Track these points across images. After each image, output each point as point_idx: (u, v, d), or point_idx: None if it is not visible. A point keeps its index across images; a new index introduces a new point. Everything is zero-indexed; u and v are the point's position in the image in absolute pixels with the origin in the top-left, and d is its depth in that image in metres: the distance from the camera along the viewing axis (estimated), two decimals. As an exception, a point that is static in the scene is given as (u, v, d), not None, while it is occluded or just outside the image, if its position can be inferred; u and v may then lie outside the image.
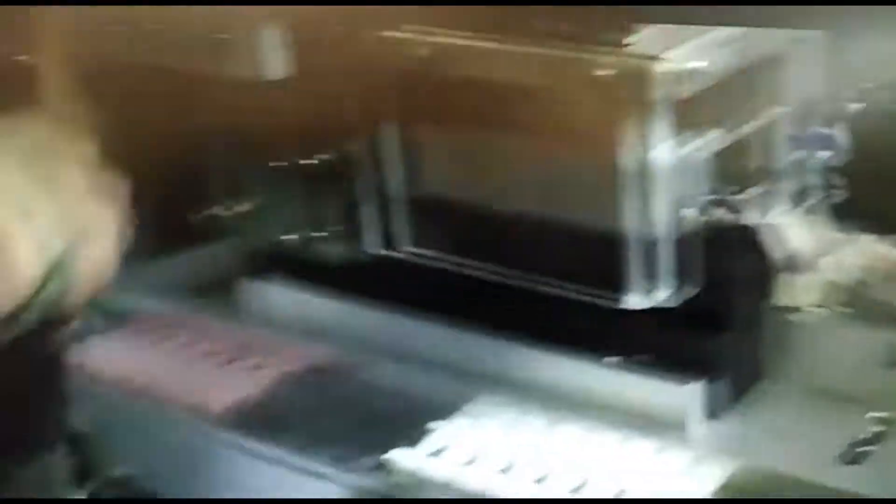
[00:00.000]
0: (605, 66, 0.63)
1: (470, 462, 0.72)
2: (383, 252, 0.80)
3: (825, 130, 0.71)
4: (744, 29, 0.67)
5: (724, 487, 0.67)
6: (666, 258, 0.66)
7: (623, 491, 0.67)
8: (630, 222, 0.66)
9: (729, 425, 0.72)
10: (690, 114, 0.63)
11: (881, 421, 0.70)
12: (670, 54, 0.62)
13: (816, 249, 0.74)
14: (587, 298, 0.68)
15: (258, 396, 0.85)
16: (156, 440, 0.87)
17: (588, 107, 0.64)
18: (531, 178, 0.69)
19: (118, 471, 0.91)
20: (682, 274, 0.67)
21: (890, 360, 0.70)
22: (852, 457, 0.68)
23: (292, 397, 0.85)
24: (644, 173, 0.64)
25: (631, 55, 0.63)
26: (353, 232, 0.80)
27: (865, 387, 0.71)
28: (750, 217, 0.69)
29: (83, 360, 0.90)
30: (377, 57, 0.71)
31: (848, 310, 0.73)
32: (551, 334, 0.76)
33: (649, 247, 0.65)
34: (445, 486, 0.72)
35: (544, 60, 0.65)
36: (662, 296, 0.67)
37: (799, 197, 0.72)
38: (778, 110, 0.71)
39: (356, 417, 0.80)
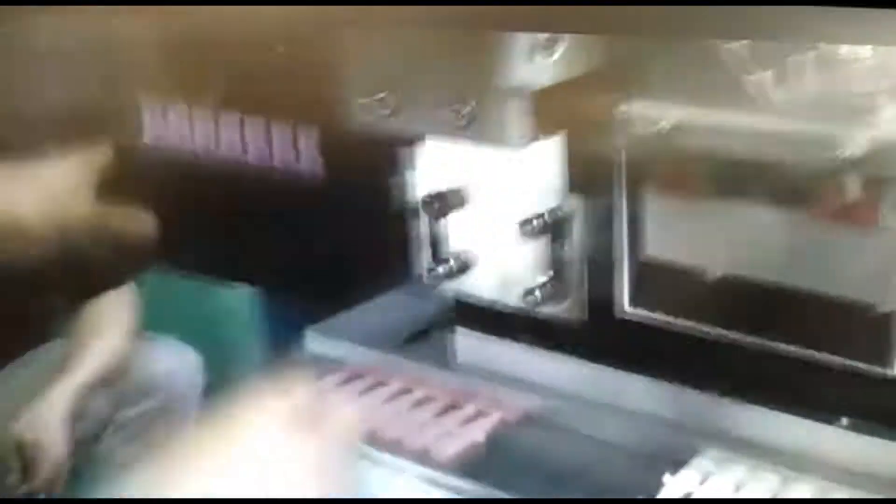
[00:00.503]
0: (856, 144, 0.65)
1: None
2: (603, 311, 0.82)
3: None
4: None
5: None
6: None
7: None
8: (871, 292, 0.68)
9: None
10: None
11: None
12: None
13: None
14: (847, 366, 0.70)
15: (483, 444, 0.88)
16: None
17: (839, 181, 0.66)
18: (774, 247, 0.72)
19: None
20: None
21: None
22: None
23: (516, 445, 0.88)
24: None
25: (884, 133, 0.65)
26: (573, 290, 0.83)
27: None
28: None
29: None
30: (615, 127, 0.73)
31: None
32: (781, 395, 0.78)
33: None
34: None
35: (795, 138, 0.67)
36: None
37: None
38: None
39: (582, 467, 0.83)
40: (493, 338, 0.94)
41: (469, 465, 0.87)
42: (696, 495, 0.78)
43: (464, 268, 0.89)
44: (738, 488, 0.78)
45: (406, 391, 0.98)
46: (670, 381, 0.84)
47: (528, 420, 0.91)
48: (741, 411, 0.81)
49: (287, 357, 1.04)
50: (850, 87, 0.69)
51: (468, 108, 0.77)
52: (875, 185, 0.67)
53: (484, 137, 0.77)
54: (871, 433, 0.76)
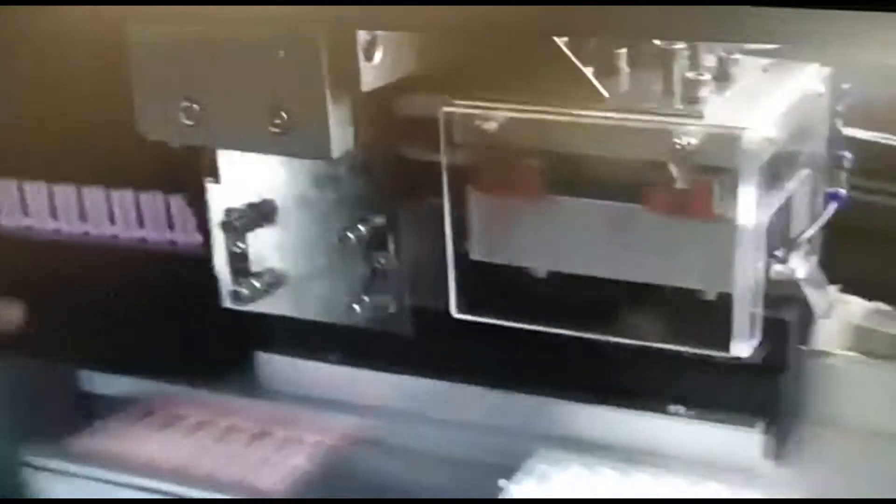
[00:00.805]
0: (690, 136, 0.66)
1: None
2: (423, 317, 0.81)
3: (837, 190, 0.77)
4: (798, 94, 0.72)
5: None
6: (747, 312, 0.70)
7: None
8: (712, 281, 0.70)
9: (791, 467, 0.76)
10: (763, 179, 0.68)
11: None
12: (749, 123, 0.66)
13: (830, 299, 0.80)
14: (683, 354, 0.71)
15: (309, 471, 0.84)
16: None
17: (670, 173, 0.68)
18: (605, 242, 0.72)
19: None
20: (756, 326, 0.71)
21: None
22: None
23: (341, 468, 0.85)
24: (729, 234, 0.67)
25: (715, 125, 0.67)
26: (396, 300, 0.81)
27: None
28: (798, 272, 0.74)
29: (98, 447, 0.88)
30: (444, 130, 0.72)
31: (869, 351, 0.79)
32: (610, 390, 0.78)
33: (731, 302, 0.69)
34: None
35: (623, 129, 0.68)
36: (748, 348, 0.70)
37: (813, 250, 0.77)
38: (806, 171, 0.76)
39: (414, 483, 0.81)
40: (304, 360, 0.90)
41: (293, 492, 0.83)
42: (536, 496, 0.77)
43: (272, 286, 0.84)
44: (575, 486, 0.78)
45: (207, 423, 0.92)
46: (499, 387, 0.82)
47: (351, 441, 0.88)
48: (572, 410, 0.81)
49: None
50: (680, 79, 0.70)
51: (284, 117, 0.73)
52: (708, 175, 0.68)
53: (302, 148, 0.73)
54: (705, 419, 0.77)
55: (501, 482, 0.78)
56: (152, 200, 0.93)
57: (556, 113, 0.71)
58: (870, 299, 0.82)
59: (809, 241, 0.76)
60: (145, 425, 0.93)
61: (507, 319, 0.77)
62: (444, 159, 0.74)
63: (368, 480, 0.82)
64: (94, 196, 0.94)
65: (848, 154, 0.77)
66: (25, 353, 0.91)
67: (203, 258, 0.88)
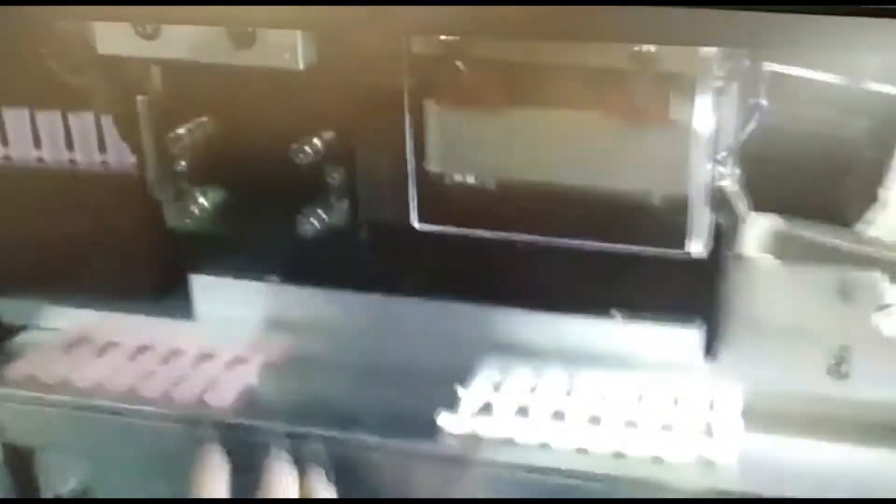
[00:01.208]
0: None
1: (518, 414, 0.78)
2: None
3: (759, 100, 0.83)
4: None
5: (747, 409, 0.78)
6: (701, 212, 0.75)
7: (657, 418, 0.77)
8: (667, 183, 0.75)
9: (724, 362, 0.82)
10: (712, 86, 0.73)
11: (843, 346, 0.82)
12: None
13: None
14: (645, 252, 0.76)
15: (258, 388, 0.86)
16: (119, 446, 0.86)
17: (630, 81, 0.72)
18: (566, 149, 0.76)
19: (71, 484, 0.90)
20: (705, 226, 0.77)
21: (842, 293, 0.83)
22: (837, 373, 0.80)
23: (292, 384, 0.87)
24: (684, 138, 0.72)
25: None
26: (354, 212, 0.83)
27: (822, 319, 0.83)
28: (725, 178, 0.80)
29: (32, 372, 0.87)
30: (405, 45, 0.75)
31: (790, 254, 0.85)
32: (558, 297, 0.83)
33: (685, 203, 0.74)
34: (502, 441, 0.77)
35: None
36: (702, 246, 0.76)
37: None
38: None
39: (371, 396, 0.84)
40: (242, 280, 0.91)
41: (250, 408, 0.85)
42: (494, 402, 0.81)
43: (218, 205, 0.85)
44: (532, 389, 0.82)
45: (147, 348, 0.93)
46: (449, 299, 0.85)
47: (298, 359, 0.89)
48: (521, 318, 0.84)
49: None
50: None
51: (247, 29, 0.74)
52: (665, 82, 0.72)
53: (266, 58, 0.75)
54: (648, 320, 0.82)
55: (458, 388, 0.81)
56: (81, 121, 0.92)
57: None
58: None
59: (735, 150, 0.81)
60: (80, 352, 0.92)
61: (466, 228, 0.79)
62: (405, 73, 0.76)
63: (322, 395, 0.83)
64: (17, 118, 0.92)
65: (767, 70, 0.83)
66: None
67: (138, 179, 0.88)
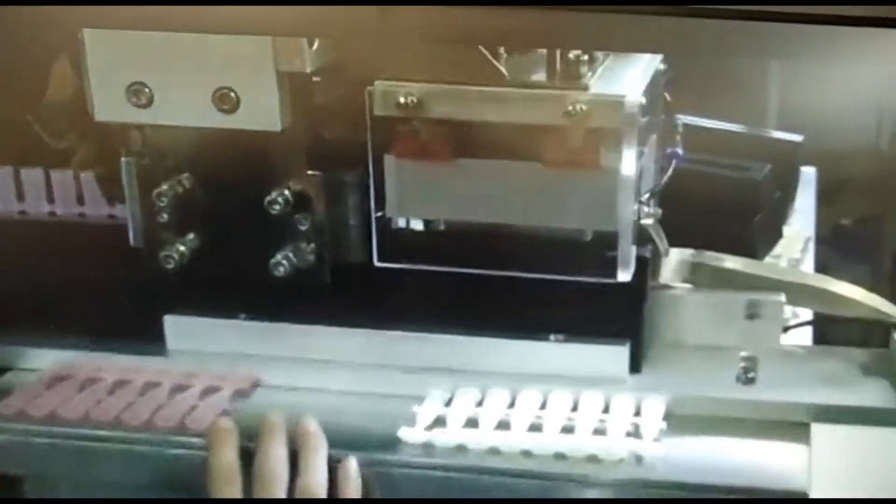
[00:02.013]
0: (580, 103, 0.84)
1: (467, 426, 0.90)
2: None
3: (677, 149, 0.97)
4: (650, 72, 0.91)
5: (668, 414, 0.91)
6: (627, 246, 0.88)
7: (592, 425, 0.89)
8: (598, 221, 0.87)
9: (648, 375, 0.95)
10: (636, 137, 0.86)
11: (749, 357, 0.96)
12: (627, 92, 0.84)
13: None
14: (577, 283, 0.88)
15: (231, 411, 0.96)
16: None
17: (565, 135, 0.85)
18: (510, 194, 0.88)
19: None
20: (631, 258, 0.90)
21: (748, 313, 0.97)
22: (745, 380, 0.94)
23: (261, 409, 0.96)
24: (612, 182, 0.85)
25: (601, 94, 0.84)
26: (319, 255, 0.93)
27: (731, 335, 0.97)
28: (648, 216, 0.93)
29: (22, 407, 0.96)
30: (368, 104, 0.86)
31: (703, 281, 0.99)
32: (495, 323, 0.94)
33: (615, 238, 0.87)
34: (455, 448, 0.89)
35: (524, 100, 0.85)
36: (629, 274, 0.89)
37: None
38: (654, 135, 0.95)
39: (333, 416, 0.94)
40: (214, 319, 1.01)
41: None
42: (448, 417, 0.92)
43: (195, 252, 0.95)
44: (478, 403, 0.94)
45: (124, 382, 1.01)
46: (405, 328, 0.97)
47: (265, 387, 0.99)
48: (468, 344, 0.96)
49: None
50: (567, 56, 0.87)
51: (232, 94, 0.85)
52: (595, 134, 0.85)
53: (249, 122, 0.86)
54: (582, 342, 0.95)
55: (415, 407, 0.92)
56: (62, 178, 1.01)
57: (466, 87, 0.86)
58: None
59: (656, 193, 0.95)
60: (62, 389, 1.00)
61: (419, 264, 0.91)
62: (368, 130, 0.88)
63: (293, 417, 0.93)
64: (1, 175, 1.01)
65: (680, 123, 0.96)
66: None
67: (112, 229, 0.97)
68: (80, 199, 1.02)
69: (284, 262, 0.93)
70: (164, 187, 0.92)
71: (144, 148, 0.93)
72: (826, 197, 1.27)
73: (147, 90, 0.85)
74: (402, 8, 0.73)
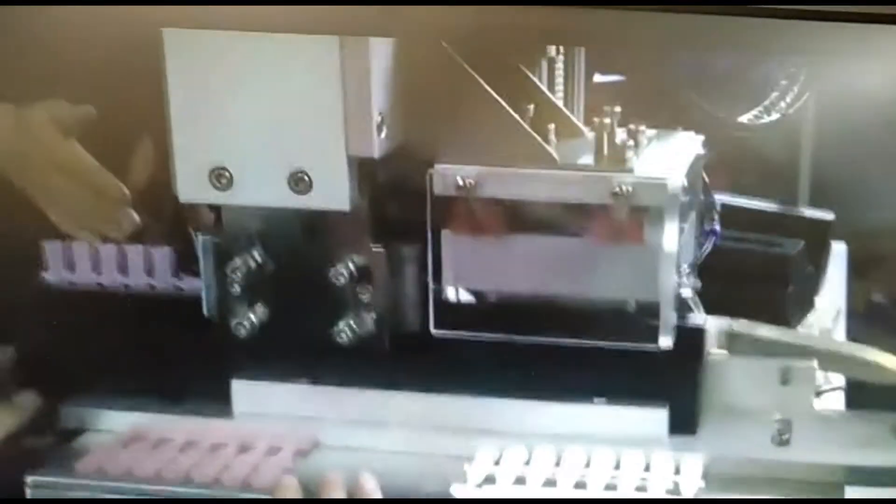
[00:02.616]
0: (626, 184, 0.91)
1: (516, 483, 0.96)
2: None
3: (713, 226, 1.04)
4: (692, 155, 0.98)
5: (706, 473, 0.96)
6: (669, 314, 0.94)
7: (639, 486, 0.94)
8: (641, 292, 0.94)
9: (689, 436, 1.01)
10: (678, 215, 0.93)
11: (783, 420, 1.02)
12: (669, 175, 0.92)
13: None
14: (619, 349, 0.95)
15: (293, 469, 1.02)
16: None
17: (611, 212, 0.92)
18: (556, 268, 0.95)
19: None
20: (671, 326, 0.96)
21: (782, 378, 1.02)
22: (780, 442, 0.99)
23: (320, 468, 1.02)
24: (655, 256, 0.92)
25: (646, 176, 0.92)
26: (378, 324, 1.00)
27: (768, 399, 1.03)
28: (687, 287, 1.00)
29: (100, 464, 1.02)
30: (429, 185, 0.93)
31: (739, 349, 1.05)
32: (544, 387, 1.01)
33: (657, 307, 0.93)
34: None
35: (574, 181, 0.92)
36: (670, 341, 0.95)
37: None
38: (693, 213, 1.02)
39: (390, 476, 1.00)
40: (274, 383, 1.07)
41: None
42: (497, 475, 0.98)
43: (263, 322, 1.01)
44: (526, 462, 1.00)
45: (193, 443, 1.08)
46: (457, 393, 1.03)
47: (325, 447, 1.05)
48: (517, 407, 1.02)
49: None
50: (614, 140, 0.95)
51: (306, 178, 0.93)
52: (639, 213, 0.92)
53: (321, 202, 0.93)
54: (623, 405, 1.01)
55: (465, 466, 0.98)
56: (136, 251, 1.09)
57: (520, 170, 0.93)
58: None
59: (695, 266, 1.01)
60: (136, 449, 1.07)
61: (472, 332, 0.98)
62: (428, 208, 0.95)
63: (352, 475, 0.99)
64: (80, 248, 1.09)
65: (718, 201, 1.03)
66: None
67: (178, 300, 1.04)
68: (150, 272, 1.08)
69: (346, 329, 0.99)
70: (238, 262, 0.98)
71: (218, 225, 1.00)
72: (860, 272, 1.33)
73: (227, 174, 0.92)
74: (413, 8, 0.77)
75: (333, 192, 0.92)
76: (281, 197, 0.92)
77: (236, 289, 1.00)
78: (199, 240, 1.00)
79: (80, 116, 1.08)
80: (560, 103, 1.03)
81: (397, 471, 1.01)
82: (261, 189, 0.93)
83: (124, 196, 1.09)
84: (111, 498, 1.02)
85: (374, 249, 0.98)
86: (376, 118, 0.90)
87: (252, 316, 1.02)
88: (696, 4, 0.73)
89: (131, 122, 1.06)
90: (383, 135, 0.92)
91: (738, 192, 1.13)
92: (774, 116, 1.18)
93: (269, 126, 0.91)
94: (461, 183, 0.93)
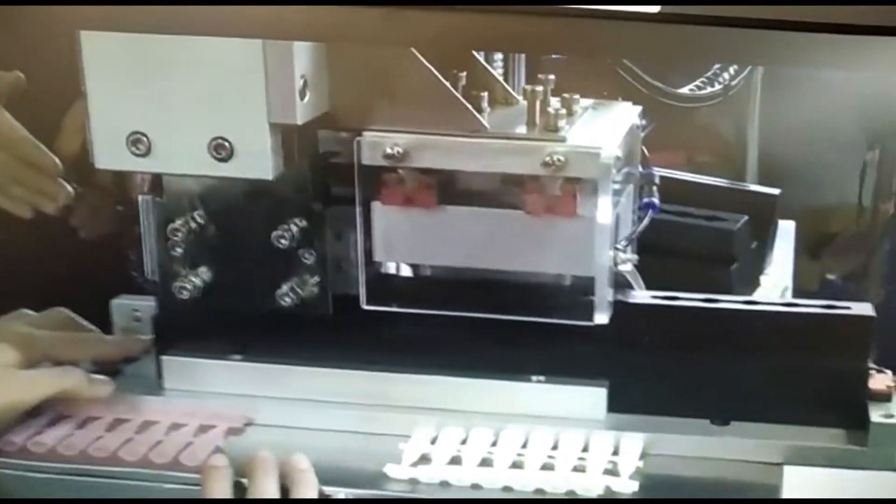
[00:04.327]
0: (559, 154, 0.88)
1: (451, 463, 0.94)
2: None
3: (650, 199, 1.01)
4: (627, 126, 0.95)
5: (645, 453, 0.94)
6: (604, 290, 0.92)
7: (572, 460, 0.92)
8: (576, 267, 0.92)
9: (622, 415, 0.98)
10: (612, 187, 0.91)
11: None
12: (603, 144, 0.89)
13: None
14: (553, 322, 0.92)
15: (224, 448, 0.99)
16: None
17: (544, 184, 0.89)
18: (490, 242, 0.93)
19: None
20: (607, 301, 0.94)
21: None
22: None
23: (253, 446, 0.99)
24: (589, 230, 0.90)
25: (579, 145, 0.89)
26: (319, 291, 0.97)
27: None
28: (626, 262, 0.97)
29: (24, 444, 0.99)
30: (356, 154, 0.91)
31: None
32: (478, 364, 0.98)
33: (591, 282, 0.91)
34: (439, 484, 0.92)
35: (504, 150, 0.89)
36: (606, 317, 0.93)
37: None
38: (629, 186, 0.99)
39: (322, 454, 0.97)
40: (205, 359, 1.04)
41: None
42: (433, 454, 0.96)
43: (207, 284, 0.99)
44: (463, 441, 0.97)
45: (123, 421, 1.05)
46: (393, 370, 1.00)
47: (257, 425, 1.03)
48: (453, 385, 1.00)
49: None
50: (547, 109, 0.92)
51: (227, 144, 0.90)
52: (572, 184, 0.90)
53: (243, 170, 0.90)
54: (562, 382, 0.98)
55: (400, 445, 0.96)
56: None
57: (450, 138, 0.91)
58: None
59: (633, 239, 0.99)
60: (60, 428, 1.04)
61: (406, 307, 0.95)
62: (355, 178, 0.92)
63: (284, 454, 0.96)
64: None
65: (656, 173, 1.01)
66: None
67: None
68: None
69: (290, 293, 0.96)
70: (179, 223, 0.95)
71: (160, 186, 0.97)
72: (811, 251, 1.31)
73: (146, 139, 0.89)
74: (404, 11, 0.74)
75: (255, 161, 0.89)
76: (201, 164, 0.90)
77: (177, 251, 0.97)
78: (141, 200, 0.97)
79: (10, 83, 1.05)
80: (498, 73, 1.00)
81: (331, 449, 0.99)
82: (180, 156, 0.90)
83: (57, 167, 1.07)
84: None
85: (315, 211, 0.96)
86: (298, 82, 0.87)
87: (194, 278, 0.99)
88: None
89: (60, 93, 1.03)
90: (306, 100, 0.89)
91: (683, 168, 1.10)
92: (717, 87, 1.16)
93: (188, 91, 0.88)
94: (389, 151, 0.90)
